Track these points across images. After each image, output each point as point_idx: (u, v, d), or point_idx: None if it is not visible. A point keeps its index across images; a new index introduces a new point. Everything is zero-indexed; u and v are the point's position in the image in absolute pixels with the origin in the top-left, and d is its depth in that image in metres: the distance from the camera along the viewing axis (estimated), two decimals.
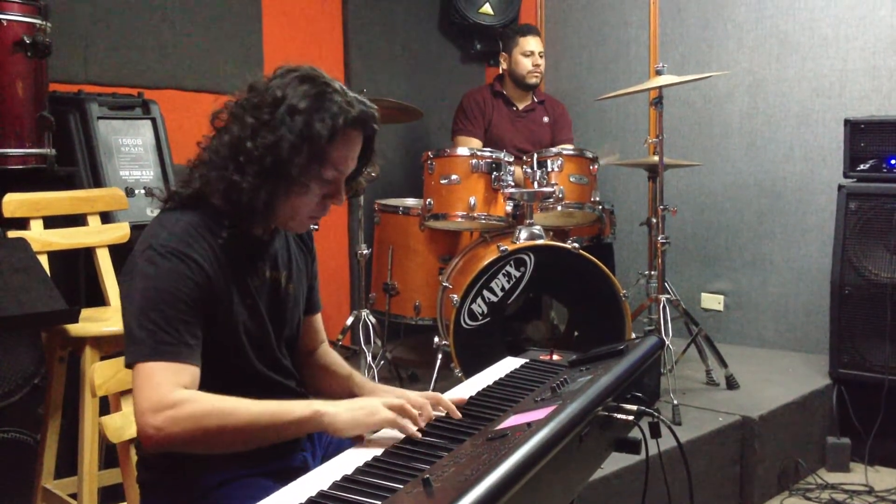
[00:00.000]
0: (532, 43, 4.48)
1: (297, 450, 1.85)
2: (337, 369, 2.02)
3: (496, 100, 4.57)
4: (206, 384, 1.64)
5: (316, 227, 2.17)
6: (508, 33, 4.66)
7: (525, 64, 4.47)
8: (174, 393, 1.55)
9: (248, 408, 1.58)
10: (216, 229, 1.69)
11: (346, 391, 1.95)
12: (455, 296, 3.42)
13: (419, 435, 1.59)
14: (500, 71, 4.65)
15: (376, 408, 1.62)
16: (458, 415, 1.75)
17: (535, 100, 4.62)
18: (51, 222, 2.88)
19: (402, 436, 1.63)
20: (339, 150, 1.71)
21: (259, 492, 1.48)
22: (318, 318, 2.07)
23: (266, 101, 1.68)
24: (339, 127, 1.67)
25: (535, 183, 3.71)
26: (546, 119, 4.61)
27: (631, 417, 1.71)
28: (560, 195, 3.69)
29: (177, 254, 1.62)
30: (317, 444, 1.93)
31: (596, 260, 3.46)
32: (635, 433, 1.80)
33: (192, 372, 1.61)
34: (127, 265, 1.68)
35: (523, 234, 3.56)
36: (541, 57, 4.50)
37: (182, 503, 1.74)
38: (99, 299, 2.97)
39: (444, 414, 1.76)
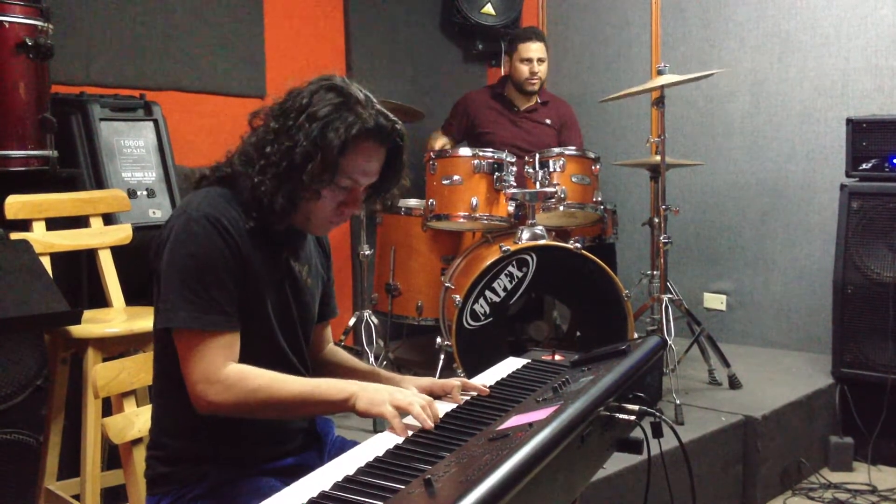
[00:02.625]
0: (531, 49, 4.42)
1: (303, 448, 1.88)
2: (355, 366, 2.06)
3: (496, 101, 4.56)
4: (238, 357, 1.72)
5: None
6: (511, 36, 4.65)
7: (522, 71, 4.45)
8: (224, 368, 1.66)
9: (289, 386, 1.69)
10: (244, 211, 1.75)
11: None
12: (457, 296, 3.42)
13: (405, 435, 1.60)
14: (504, 72, 4.65)
15: (383, 400, 1.66)
16: (487, 391, 1.87)
17: (539, 101, 4.61)
18: (53, 224, 2.89)
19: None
20: (353, 159, 1.73)
21: (265, 490, 1.50)
22: (329, 323, 2.11)
23: (293, 107, 1.74)
24: (351, 137, 1.70)
25: (537, 183, 3.71)
26: (549, 121, 4.59)
27: (633, 417, 1.70)
28: (562, 195, 3.69)
29: (211, 219, 1.68)
30: (323, 442, 1.95)
31: (598, 260, 3.46)
32: (637, 433, 1.80)
33: (233, 340, 1.70)
34: (161, 234, 1.74)
35: (525, 235, 3.56)
36: (540, 63, 4.44)
37: (189, 499, 1.75)
38: (101, 300, 2.97)
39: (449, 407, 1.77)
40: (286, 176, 1.70)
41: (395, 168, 1.85)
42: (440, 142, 4.49)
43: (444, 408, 1.78)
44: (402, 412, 1.64)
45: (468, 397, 1.88)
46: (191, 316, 1.65)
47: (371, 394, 1.67)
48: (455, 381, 1.89)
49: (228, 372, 1.66)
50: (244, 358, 1.72)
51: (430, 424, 1.62)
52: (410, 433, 1.61)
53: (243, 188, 1.74)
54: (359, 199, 1.81)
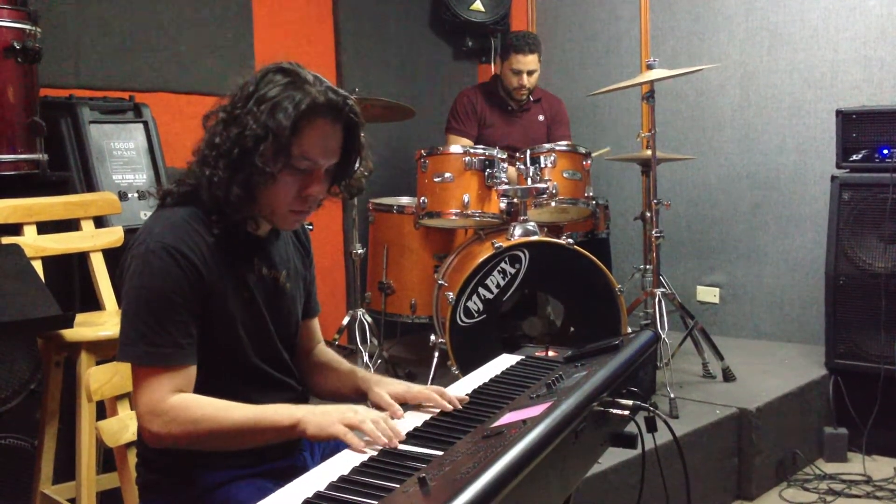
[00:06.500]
0: (521, 62, 4.37)
1: (296, 450, 1.87)
2: (337, 366, 2.02)
3: (490, 99, 4.55)
4: (208, 379, 1.69)
5: (311, 226, 2.17)
6: (506, 41, 4.58)
7: (511, 80, 4.43)
8: (168, 400, 1.62)
9: (234, 415, 1.64)
10: (209, 224, 1.71)
11: (351, 386, 1.94)
12: (451, 293, 3.42)
13: (364, 452, 1.54)
14: (496, 72, 4.63)
15: (332, 420, 1.60)
16: (459, 406, 1.79)
17: (531, 98, 4.60)
18: (44, 227, 2.88)
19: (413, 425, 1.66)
20: (308, 138, 1.68)
21: (258, 492, 1.49)
22: (315, 321, 2.08)
23: (242, 96, 1.70)
24: (301, 113, 1.64)
25: (529, 179, 3.71)
26: (541, 118, 4.59)
27: (627, 412, 1.71)
28: (554, 191, 3.69)
29: (168, 250, 1.64)
30: (316, 443, 1.93)
31: (590, 255, 3.47)
32: (631, 428, 1.80)
33: (186, 373, 1.66)
34: (122, 262, 1.71)
35: (518, 231, 3.57)
36: (529, 75, 4.41)
37: None
38: (94, 303, 2.97)
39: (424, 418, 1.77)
40: (238, 163, 1.65)
41: (354, 147, 1.78)
42: (463, 143, 4.43)
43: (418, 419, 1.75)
44: (356, 429, 1.60)
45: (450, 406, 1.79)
46: (142, 351, 1.63)
47: (319, 417, 1.61)
48: (429, 392, 1.82)
49: (173, 402, 1.62)
50: (217, 380, 1.70)
51: (383, 441, 1.56)
52: (374, 451, 1.56)
53: (204, 192, 1.70)
54: (321, 183, 1.74)
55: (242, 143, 1.65)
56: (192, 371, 1.67)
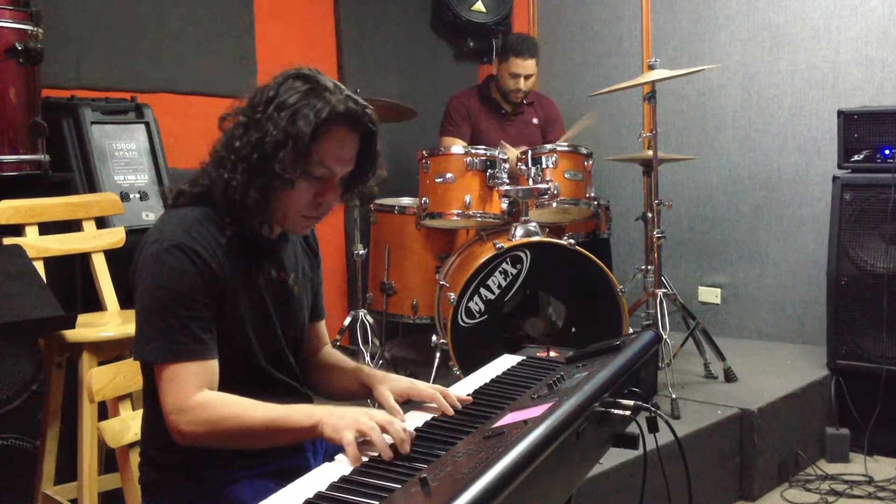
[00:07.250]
0: (520, 65, 4.38)
1: (299, 450, 1.87)
2: (343, 365, 2.02)
3: (484, 103, 4.55)
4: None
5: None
6: (505, 42, 4.59)
7: (508, 83, 4.44)
8: (194, 397, 1.63)
9: (257, 413, 1.64)
10: (221, 225, 1.72)
11: (356, 382, 1.94)
12: (452, 294, 3.42)
13: (357, 464, 1.50)
14: (493, 72, 4.63)
15: (345, 425, 1.56)
16: (460, 406, 1.79)
17: (525, 101, 4.60)
18: (46, 228, 2.88)
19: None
20: (326, 146, 1.70)
21: (260, 492, 1.50)
22: (322, 323, 2.09)
23: (262, 100, 1.71)
24: (321, 121, 1.66)
25: (530, 180, 3.71)
26: (535, 120, 4.60)
27: (628, 413, 1.71)
28: (555, 192, 3.69)
29: (182, 249, 1.65)
30: (318, 444, 1.94)
31: (592, 255, 3.47)
32: (633, 428, 1.80)
33: (209, 368, 1.67)
34: (135, 261, 1.72)
35: (519, 231, 3.57)
36: (527, 79, 4.43)
37: None
38: (95, 304, 2.97)
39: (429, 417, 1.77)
40: (258, 168, 1.67)
41: (370, 156, 1.80)
42: (458, 145, 4.44)
43: (420, 419, 1.75)
44: (366, 436, 1.56)
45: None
46: (162, 348, 1.63)
47: (336, 419, 1.58)
48: (433, 392, 1.81)
49: (198, 400, 1.63)
50: (225, 381, 1.70)
51: (388, 454, 1.51)
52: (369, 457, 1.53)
53: (218, 194, 1.71)
54: (335, 190, 1.77)
55: (262, 147, 1.66)
56: (214, 366, 1.68)
